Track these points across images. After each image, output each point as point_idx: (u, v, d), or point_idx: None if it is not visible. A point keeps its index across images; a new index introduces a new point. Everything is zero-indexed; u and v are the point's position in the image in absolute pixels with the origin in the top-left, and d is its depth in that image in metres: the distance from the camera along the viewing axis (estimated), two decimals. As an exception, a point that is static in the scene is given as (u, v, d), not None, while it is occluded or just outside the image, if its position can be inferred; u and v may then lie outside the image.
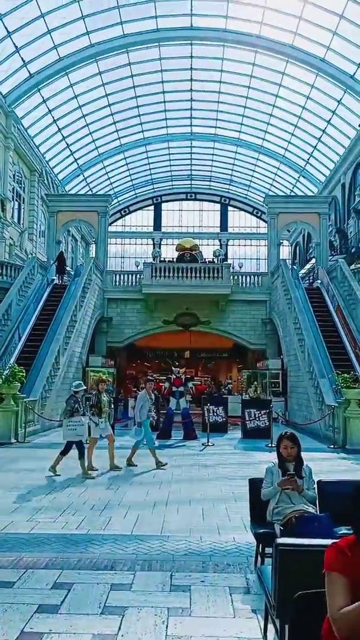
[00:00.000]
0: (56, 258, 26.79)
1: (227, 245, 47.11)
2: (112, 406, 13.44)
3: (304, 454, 5.12)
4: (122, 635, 3.74)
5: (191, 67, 31.78)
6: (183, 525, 6.47)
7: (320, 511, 4.76)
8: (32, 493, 8.13)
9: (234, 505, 7.37)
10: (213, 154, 41.96)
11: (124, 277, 28.56)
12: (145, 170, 44.39)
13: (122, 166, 42.15)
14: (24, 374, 14.76)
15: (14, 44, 25.51)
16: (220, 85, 33.18)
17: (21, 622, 3.91)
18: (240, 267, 30.45)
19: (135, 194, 47.85)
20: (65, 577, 4.75)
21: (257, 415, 15.97)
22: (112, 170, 42.04)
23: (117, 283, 28.10)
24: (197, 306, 27.03)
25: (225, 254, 40.58)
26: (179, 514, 7.05)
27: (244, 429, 16.09)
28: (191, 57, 30.88)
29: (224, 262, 28.68)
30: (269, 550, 4.84)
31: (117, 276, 28.64)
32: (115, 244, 46.34)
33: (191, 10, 27.67)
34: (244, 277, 28.56)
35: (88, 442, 10.10)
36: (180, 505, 7.44)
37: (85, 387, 10.68)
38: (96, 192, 40.92)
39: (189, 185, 47.74)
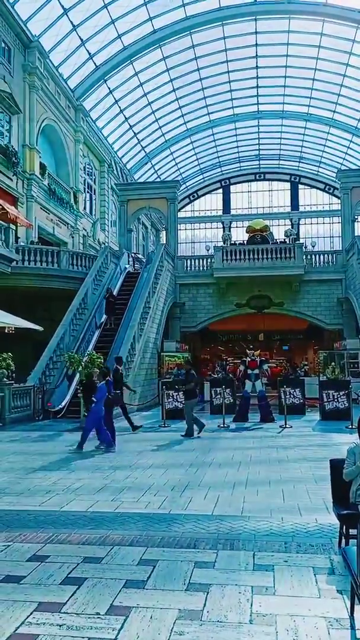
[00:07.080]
0: (105, 294, 21.16)
1: (298, 224, 46.00)
2: None
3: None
4: (208, 612, 3.80)
5: (256, 43, 31.06)
6: (264, 506, 6.45)
7: None
8: (115, 474, 8.39)
9: (315, 487, 7.26)
10: (281, 132, 41.00)
11: (195, 262, 28.61)
12: (212, 154, 44.10)
13: (189, 151, 42.08)
14: (102, 360, 15.17)
15: (80, 37, 25.95)
16: (286, 59, 32.23)
17: (110, 596, 4.07)
18: (313, 246, 29.68)
19: (203, 178, 47.64)
20: (150, 554, 4.89)
21: (335, 397, 15.59)
22: (180, 155, 42.07)
23: (189, 268, 28.19)
24: (269, 288, 26.66)
25: (297, 234, 39.66)
26: (259, 495, 7.04)
27: (322, 410, 15.76)
28: (256, 32, 30.15)
29: (296, 242, 28.03)
30: (352, 531, 4.76)
31: (188, 261, 28.73)
32: (185, 229, 46.45)
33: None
34: (317, 257, 27.83)
35: None
36: (259, 487, 7.43)
37: None
38: (164, 178, 41.10)
39: (258, 166, 46.93)
